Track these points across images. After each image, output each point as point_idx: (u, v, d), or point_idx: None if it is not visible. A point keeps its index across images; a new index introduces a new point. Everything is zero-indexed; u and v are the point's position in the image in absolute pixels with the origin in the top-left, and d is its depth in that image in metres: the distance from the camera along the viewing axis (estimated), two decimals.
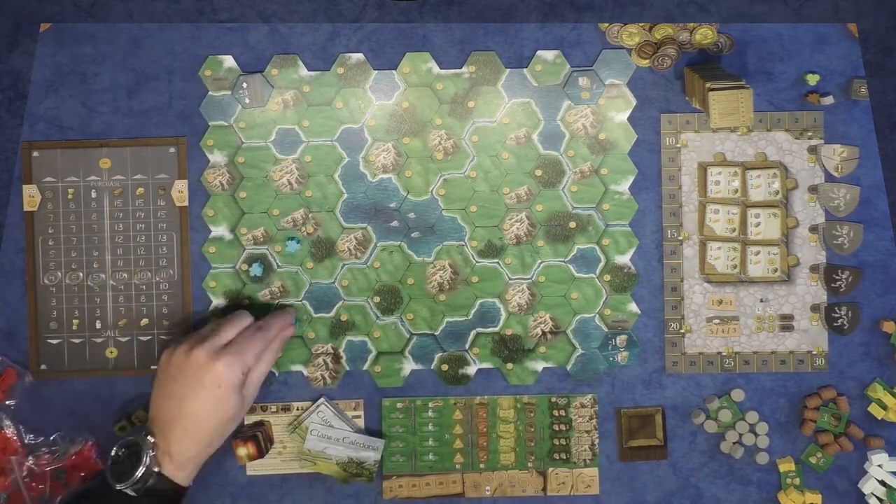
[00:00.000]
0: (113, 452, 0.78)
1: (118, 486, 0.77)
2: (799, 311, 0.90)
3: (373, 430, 0.91)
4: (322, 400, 0.90)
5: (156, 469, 0.77)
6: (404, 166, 0.90)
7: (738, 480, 0.91)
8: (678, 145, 0.91)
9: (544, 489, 0.91)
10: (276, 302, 0.90)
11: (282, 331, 0.86)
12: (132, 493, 0.77)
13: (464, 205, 0.90)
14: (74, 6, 0.90)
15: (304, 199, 0.90)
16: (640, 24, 0.90)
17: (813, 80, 0.90)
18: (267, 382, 0.90)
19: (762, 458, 0.90)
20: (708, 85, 0.82)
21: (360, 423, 0.90)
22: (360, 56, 0.90)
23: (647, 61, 0.90)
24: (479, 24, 0.91)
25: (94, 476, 0.88)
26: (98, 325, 0.90)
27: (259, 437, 0.87)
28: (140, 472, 0.76)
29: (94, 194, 0.90)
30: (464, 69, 0.90)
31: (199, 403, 0.78)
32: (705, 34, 0.89)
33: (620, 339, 0.90)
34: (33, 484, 0.87)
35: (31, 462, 0.88)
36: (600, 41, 0.91)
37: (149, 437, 0.78)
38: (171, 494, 0.79)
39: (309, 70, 0.90)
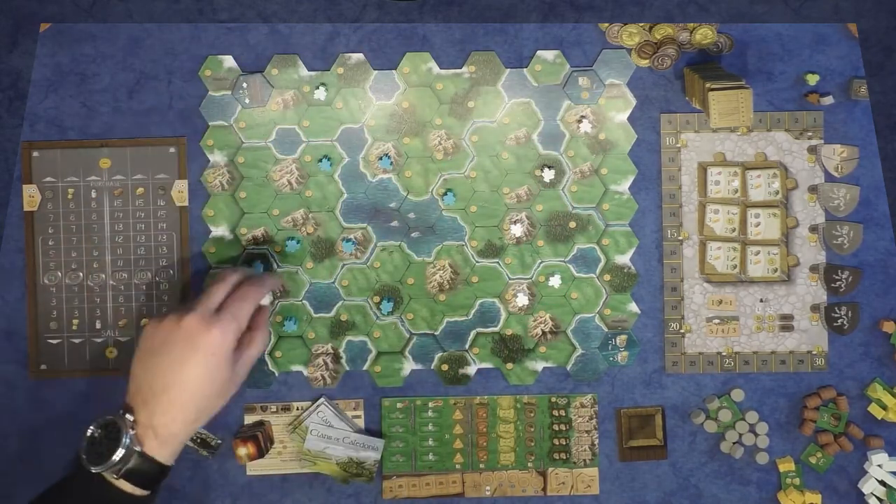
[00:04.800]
0: (88, 433, 0.73)
1: (94, 469, 0.71)
2: (799, 311, 0.90)
3: (373, 430, 0.91)
4: (322, 400, 0.90)
5: (137, 448, 0.72)
6: (404, 166, 0.90)
7: (738, 480, 0.91)
8: (678, 145, 0.91)
9: (544, 489, 0.91)
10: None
11: (272, 288, 0.84)
12: (112, 477, 0.72)
13: (464, 205, 0.90)
14: (74, 6, 0.90)
15: (304, 199, 0.90)
16: (640, 24, 0.90)
17: (813, 80, 0.90)
18: (265, 383, 0.90)
19: (762, 458, 0.90)
20: (708, 85, 0.82)
21: (360, 423, 0.90)
22: (360, 56, 0.90)
23: (647, 61, 0.90)
24: (479, 24, 0.91)
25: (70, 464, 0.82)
26: (98, 325, 0.90)
27: (259, 437, 0.87)
28: (120, 452, 0.71)
29: (94, 194, 0.90)
30: (464, 69, 0.90)
31: (190, 372, 0.73)
32: (705, 34, 0.89)
33: (620, 339, 0.90)
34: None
35: None
36: (600, 41, 0.91)
37: (127, 416, 0.73)
38: (153, 474, 0.73)
39: (309, 70, 0.90)
